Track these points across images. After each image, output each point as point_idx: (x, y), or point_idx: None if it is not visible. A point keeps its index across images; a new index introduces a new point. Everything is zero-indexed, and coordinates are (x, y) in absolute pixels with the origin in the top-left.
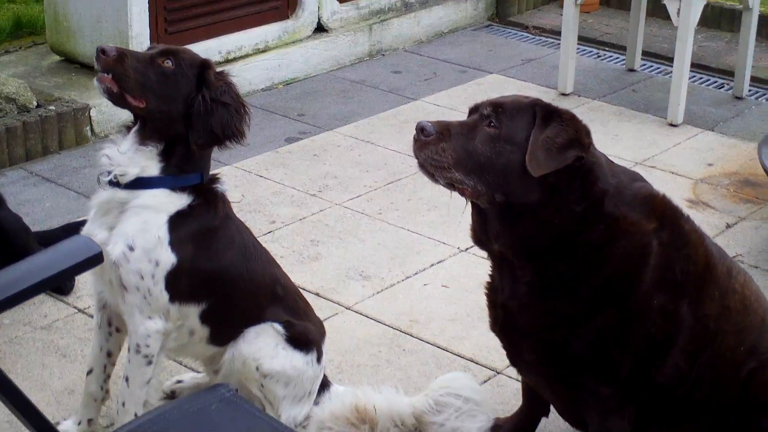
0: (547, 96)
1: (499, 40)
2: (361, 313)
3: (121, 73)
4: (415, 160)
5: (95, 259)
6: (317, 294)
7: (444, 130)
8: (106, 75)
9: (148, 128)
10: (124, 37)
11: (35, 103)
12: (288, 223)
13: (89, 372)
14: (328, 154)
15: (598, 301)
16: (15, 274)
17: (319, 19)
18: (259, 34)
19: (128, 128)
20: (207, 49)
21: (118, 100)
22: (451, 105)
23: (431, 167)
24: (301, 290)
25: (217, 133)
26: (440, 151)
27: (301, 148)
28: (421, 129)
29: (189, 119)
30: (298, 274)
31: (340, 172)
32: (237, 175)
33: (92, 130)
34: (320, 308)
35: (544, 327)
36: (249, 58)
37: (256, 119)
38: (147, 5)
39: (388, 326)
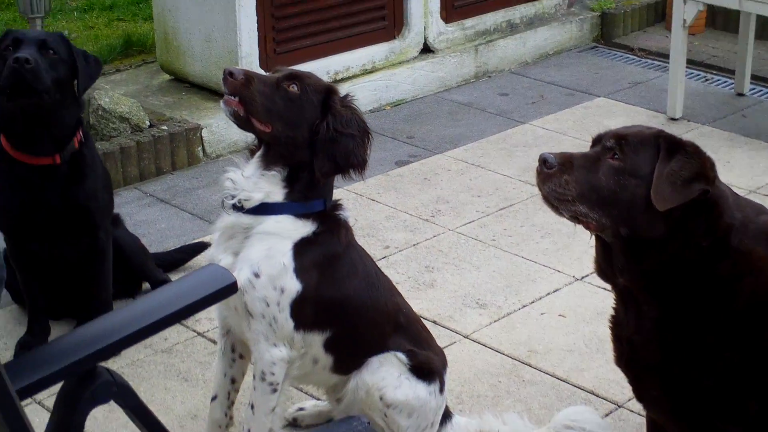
0: (656, 121)
1: (605, 63)
2: (479, 342)
3: (247, 97)
4: (538, 192)
5: (230, 289)
6: (434, 322)
7: (567, 162)
8: (232, 98)
9: (272, 153)
10: (234, 57)
11: (148, 123)
12: (402, 249)
13: (213, 398)
14: (439, 178)
15: (727, 337)
16: (152, 304)
17: (425, 40)
18: (366, 55)
19: (252, 152)
20: (315, 69)
21: (244, 123)
22: (560, 129)
23: (555, 200)
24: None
25: (340, 163)
26: (564, 184)
27: (412, 171)
28: (543, 161)
29: (313, 146)
30: (415, 300)
31: (452, 197)
32: (349, 199)
33: (204, 150)
34: (438, 336)
35: (670, 363)
36: (356, 78)
37: None
38: (256, 25)
39: (507, 356)
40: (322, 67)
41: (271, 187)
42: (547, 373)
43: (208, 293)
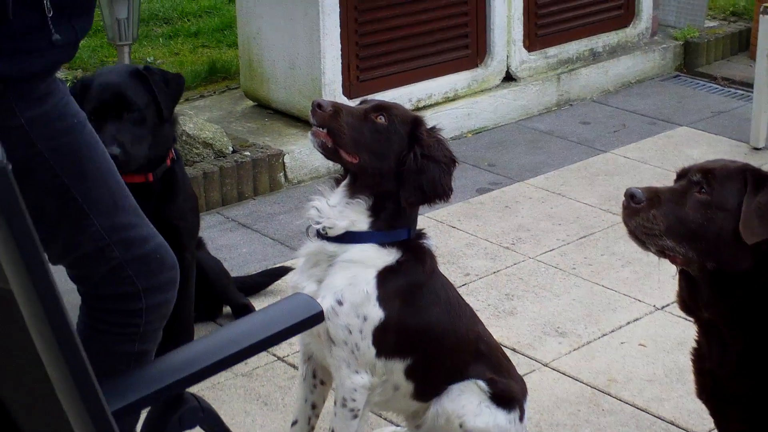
0: (739, 150)
1: (688, 92)
2: (558, 371)
3: (336, 129)
4: (624, 225)
5: (317, 318)
6: (514, 349)
7: (654, 196)
8: (321, 130)
9: (358, 183)
10: (317, 84)
11: (231, 149)
12: (482, 276)
13: (294, 423)
14: (520, 206)
15: None
16: (240, 331)
17: (507, 68)
18: (448, 82)
19: (337, 180)
20: (397, 96)
21: (331, 154)
22: (642, 158)
23: (642, 235)
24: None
25: (427, 192)
26: (651, 219)
27: (493, 199)
28: (630, 195)
29: (400, 176)
30: (495, 328)
31: (533, 225)
32: (430, 226)
33: (286, 176)
34: (517, 364)
35: (755, 397)
36: (438, 106)
37: None
38: (340, 53)
39: (586, 384)
40: (404, 95)
41: (356, 216)
42: (626, 403)
43: (294, 322)
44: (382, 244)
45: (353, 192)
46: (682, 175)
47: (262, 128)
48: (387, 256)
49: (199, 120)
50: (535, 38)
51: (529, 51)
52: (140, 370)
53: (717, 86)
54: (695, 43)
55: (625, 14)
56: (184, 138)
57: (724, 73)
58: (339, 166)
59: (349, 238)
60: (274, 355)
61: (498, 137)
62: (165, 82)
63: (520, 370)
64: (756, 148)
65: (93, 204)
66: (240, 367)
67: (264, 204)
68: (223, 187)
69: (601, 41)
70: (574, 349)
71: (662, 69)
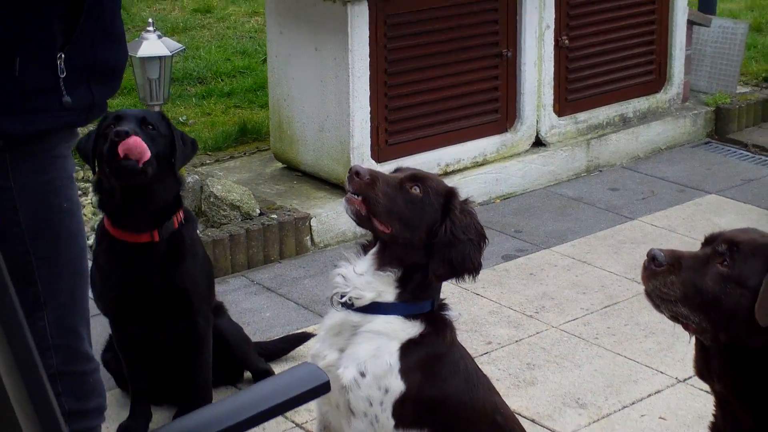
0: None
1: (718, 158)
2: None
3: (372, 198)
4: (642, 287)
5: (324, 388)
6: (533, 420)
7: (675, 261)
8: (356, 197)
9: (388, 252)
10: (346, 148)
11: (258, 211)
12: (504, 345)
13: None
14: (545, 274)
15: None
16: (247, 399)
17: (537, 133)
18: (477, 147)
19: (364, 247)
20: (426, 161)
21: (364, 222)
22: (670, 226)
23: (657, 298)
24: (517, 416)
25: (456, 267)
26: (669, 284)
27: (518, 266)
28: (652, 258)
29: (430, 248)
30: (514, 398)
31: (557, 293)
32: (453, 293)
33: (312, 240)
34: None
35: None
36: (467, 171)
37: None
38: (369, 116)
39: None
40: (432, 159)
41: (383, 287)
42: None
43: (302, 391)
44: (407, 316)
45: (382, 262)
46: (709, 241)
47: (290, 191)
48: (411, 329)
49: (227, 182)
50: (565, 103)
51: (559, 116)
52: None
53: (748, 153)
54: (726, 109)
55: (657, 80)
56: (211, 199)
57: (756, 139)
58: (366, 230)
59: (374, 308)
60: (293, 421)
61: (526, 203)
62: (182, 140)
63: None
64: None
65: (51, 295)
66: None
67: (289, 267)
68: (249, 250)
69: (631, 107)
70: (594, 421)
71: (693, 135)
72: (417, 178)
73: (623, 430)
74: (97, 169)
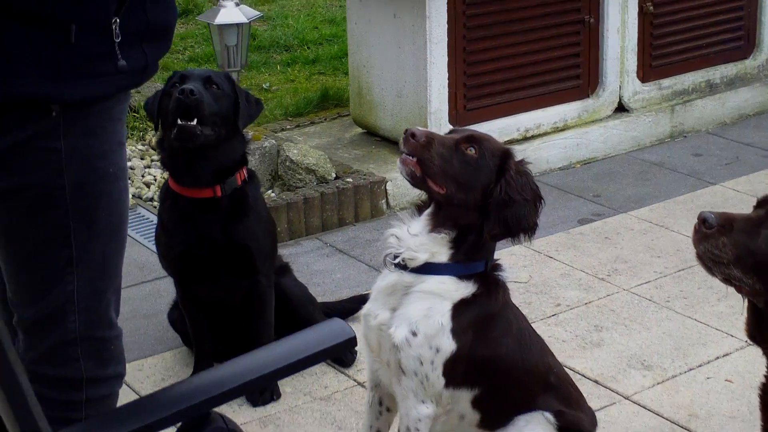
0: None
1: None
2: (639, 404)
3: (427, 159)
4: (695, 251)
5: (350, 343)
6: (596, 381)
7: (727, 223)
8: (411, 158)
9: (442, 213)
10: (423, 113)
11: (334, 175)
12: (573, 307)
13: None
14: (620, 237)
15: None
16: (271, 354)
17: (620, 99)
18: (558, 113)
19: (418, 207)
20: (505, 126)
21: (419, 183)
22: (752, 191)
23: (710, 261)
24: (580, 377)
25: (511, 227)
26: (720, 246)
27: (594, 230)
28: (703, 220)
29: (485, 208)
30: (579, 359)
31: (631, 257)
32: (527, 255)
33: (388, 203)
34: (598, 396)
35: None
36: (547, 136)
37: (551, 199)
38: (447, 82)
39: (666, 419)
40: (512, 124)
41: (437, 248)
42: None
43: (326, 347)
44: (460, 276)
45: (437, 223)
46: (762, 203)
47: (368, 155)
48: (464, 289)
49: (303, 146)
50: (649, 69)
51: (642, 82)
52: (168, 388)
53: None
54: None
55: (745, 46)
56: (287, 164)
57: None
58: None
59: (427, 268)
60: (354, 379)
61: (607, 168)
62: (247, 98)
63: (600, 403)
64: None
65: (84, 259)
66: (319, 391)
67: (363, 230)
68: (323, 213)
69: (718, 72)
70: (658, 383)
71: None
72: (473, 139)
73: (687, 391)
74: (160, 127)
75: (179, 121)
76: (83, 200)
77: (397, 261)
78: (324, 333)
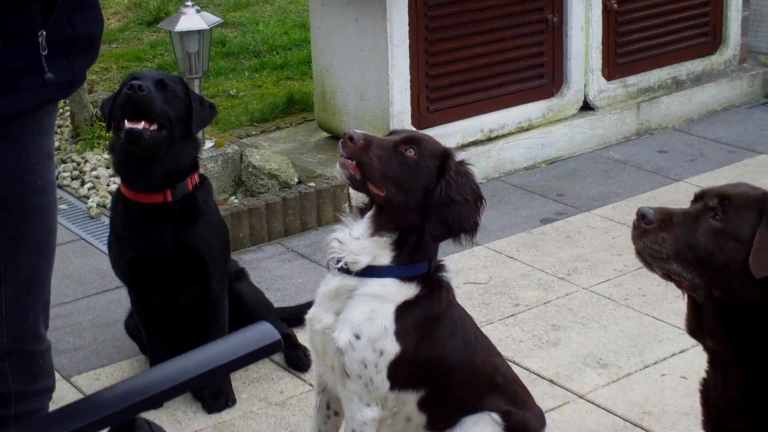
0: None
1: None
2: (593, 402)
3: (366, 162)
4: (633, 247)
5: (276, 347)
6: (551, 381)
7: (666, 218)
8: (350, 162)
9: (384, 216)
10: (386, 116)
11: (296, 180)
12: (532, 307)
13: None
14: (582, 236)
15: None
16: (198, 358)
17: (585, 97)
18: (522, 113)
19: (361, 210)
20: (469, 127)
21: (359, 186)
22: None
23: (649, 257)
24: (535, 376)
25: (452, 228)
26: (660, 241)
27: (556, 229)
28: (642, 216)
29: (426, 209)
30: (535, 359)
31: (592, 255)
32: (487, 256)
33: (350, 207)
34: (552, 396)
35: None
36: (512, 136)
37: (514, 199)
38: (409, 84)
39: (619, 417)
40: (476, 125)
41: (379, 251)
42: None
43: (253, 350)
44: (403, 278)
45: (378, 225)
46: (699, 197)
47: (332, 159)
48: (407, 291)
49: (266, 152)
50: (614, 67)
51: (608, 80)
52: (95, 396)
53: None
54: None
55: (712, 42)
56: (250, 169)
57: None
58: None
59: (370, 271)
60: (310, 384)
61: (572, 167)
62: (201, 103)
63: (554, 402)
64: None
65: (10, 272)
66: (275, 396)
67: (326, 234)
68: (286, 218)
69: (684, 69)
70: (613, 381)
71: (750, 96)
72: (411, 140)
73: (642, 389)
74: (112, 130)
75: (127, 124)
76: (10, 214)
77: (340, 265)
78: (251, 336)
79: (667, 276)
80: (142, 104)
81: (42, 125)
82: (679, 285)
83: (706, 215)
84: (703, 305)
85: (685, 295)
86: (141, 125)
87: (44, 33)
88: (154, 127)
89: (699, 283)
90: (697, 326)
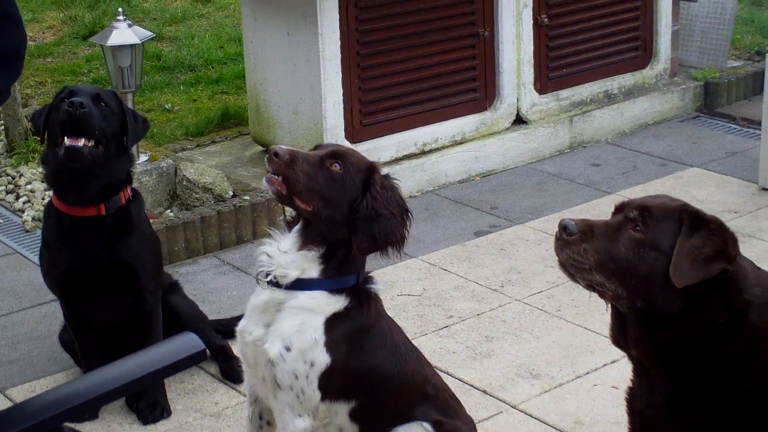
0: (747, 191)
1: (705, 132)
2: (525, 412)
3: (291, 177)
4: (556, 258)
5: (200, 356)
6: (484, 391)
7: (587, 229)
8: (276, 177)
9: (311, 229)
10: (319, 129)
11: (231, 193)
12: (465, 318)
13: None
14: (515, 248)
15: (738, 416)
16: (124, 368)
17: (518, 111)
18: (456, 126)
19: (288, 224)
20: (402, 141)
21: (286, 201)
22: None
23: (572, 268)
24: (468, 387)
25: (379, 241)
26: (582, 252)
27: (489, 242)
28: (563, 227)
29: (353, 223)
30: (468, 370)
31: (525, 267)
32: (421, 269)
33: (286, 219)
34: (486, 406)
35: None
36: (445, 149)
37: (449, 212)
38: (342, 98)
39: (551, 426)
40: (410, 139)
41: (307, 264)
42: None
43: (178, 359)
44: (331, 290)
45: (306, 239)
46: (619, 209)
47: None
48: (336, 303)
49: (200, 166)
50: (546, 81)
51: (540, 94)
52: (22, 405)
53: (736, 126)
54: (715, 84)
55: (642, 56)
56: (184, 183)
57: (744, 113)
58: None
59: (298, 284)
60: (245, 395)
61: (505, 180)
62: (134, 117)
63: (487, 412)
64: (765, 189)
65: None
66: (210, 408)
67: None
68: (221, 231)
69: (616, 83)
70: (545, 391)
71: (681, 110)
72: (337, 154)
73: (573, 399)
74: (46, 143)
75: (67, 141)
76: None
77: (269, 278)
78: (176, 346)
79: (591, 287)
80: (83, 121)
81: None
82: (602, 295)
83: (626, 226)
84: (627, 315)
85: (609, 306)
86: (81, 142)
87: None
88: (91, 143)
89: (622, 294)
90: (621, 336)
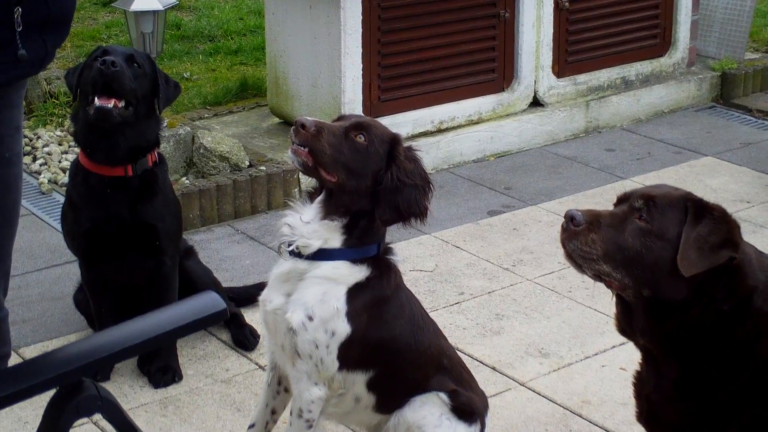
0: (760, 182)
1: (720, 122)
2: (533, 390)
3: (318, 149)
4: (563, 249)
5: (221, 315)
6: (493, 368)
7: (594, 220)
8: (302, 149)
9: (334, 200)
10: (337, 103)
11: (247, 163)
12: (476, 296)
13: (251, 426)
14: (528, 229)
15: (744, 400)
16: (145, 324)
17: (535, 93)
18: (472, 106)
19: (310, 195)
20: (419, 118)
21: (311, 172)
22: None
23: (579, 258)
24: (478, 363)
25: (402, 212)
26: (589, 243)
27: (502, 221)
28: (570, 218)
29: (376, 194)
30: (478, 346)
31: (537, 248)
32: (434, 245)
33: (300, 191)
34: (494, 383)
35: (688, 424)
36: (461, 128)
37: (462, 190)
38: (361, 72)
39: (559, 405)
40: (426, 116)
41: (330, 234)
42: (596, 425)
43: (198, 318)
44: (353, 260)
45: (328, 210)
46: (623, 199)
47: (283, 144)
48: (358, 273)
49: (217, 134)
50: (564, 65)
51: (558, 77)
52: (42, 357)
53: (751, 118)
54: (732, 75)
55: (661, 44)
56: (201, 151)
57: (760, 105)
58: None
59: (321, 254)
60: (256, 363)
61: (520, 161)
62: (166, 81)
63: (496, 389)
64: None
65: None
66: (221, 374)
67: (276, 218)
68: (236, 200)
69: (634, 70)
70: (554, 370)
71: (697, 99)
72: (361, 126)
73: (582, 379)
74: (77, 101)
75: (97, 102)
76: None
77: (291, 249)
78: (197, 304)
79: (598, 276)
80: (114, 80)
81: (12, 99)
82: (608, 285)
83: (632, 216)
84: (633, 304)
85: (613, 296)
86: (111, 103)
87: (20, 10)
88: (122, 104)
89: (628, 283)
90: (627, 325)
